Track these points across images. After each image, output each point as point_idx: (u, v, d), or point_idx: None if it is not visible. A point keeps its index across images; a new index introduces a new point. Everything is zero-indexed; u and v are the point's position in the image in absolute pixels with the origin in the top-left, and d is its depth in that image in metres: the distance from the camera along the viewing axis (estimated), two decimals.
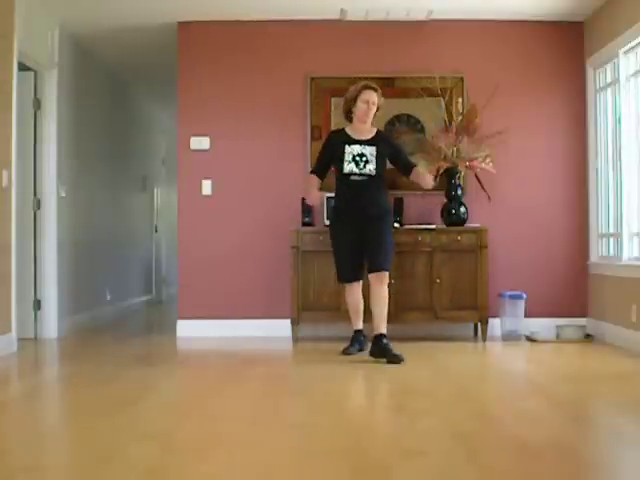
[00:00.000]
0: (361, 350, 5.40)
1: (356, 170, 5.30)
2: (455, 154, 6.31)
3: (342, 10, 6.39)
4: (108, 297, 8.24)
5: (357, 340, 5.45)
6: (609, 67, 6.25)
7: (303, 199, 6.38)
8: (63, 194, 6.72)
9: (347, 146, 5.34)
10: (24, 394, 4.25)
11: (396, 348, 5.15)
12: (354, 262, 5.37)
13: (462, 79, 6.60)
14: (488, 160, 6.31)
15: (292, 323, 6.15)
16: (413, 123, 6.61)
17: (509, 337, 6.28)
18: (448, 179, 6.29)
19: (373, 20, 6.57)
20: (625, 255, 5.92)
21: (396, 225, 5.97)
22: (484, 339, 6.16)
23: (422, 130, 6.60)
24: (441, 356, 5.45)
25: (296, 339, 6.14)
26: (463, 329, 6.43)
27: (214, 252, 6.62)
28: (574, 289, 6.60)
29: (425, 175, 5.44)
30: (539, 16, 6.53)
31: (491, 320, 6.26)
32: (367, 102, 5.32)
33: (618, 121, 6.10)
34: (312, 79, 6.64)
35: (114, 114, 8.57)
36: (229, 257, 6.62)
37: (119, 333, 7.00)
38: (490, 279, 6.26)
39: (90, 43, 7.28)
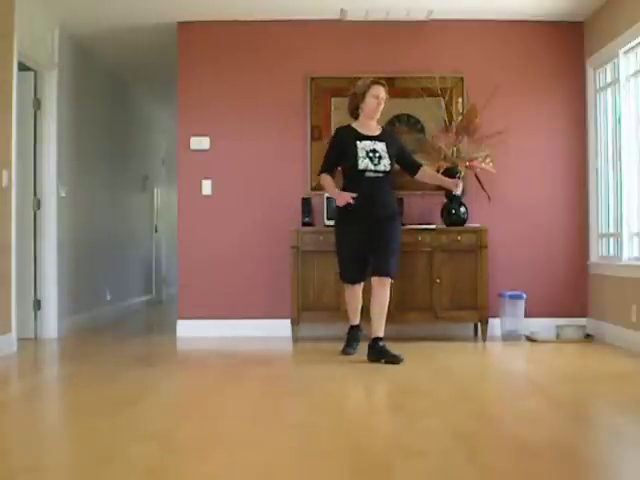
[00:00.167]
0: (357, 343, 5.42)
1: (371, 166, 5.15)
2: (455, 154, 6.31)
3: (342, 10, 6.39)
4: (108, 297, 8.24)
5: (354, 337, 5.44)
6: (609, 67, 6.25)
7: (303, 199, 6.39)
8: (63, 194, 6.72)
9: (358, 142, 5.20)
10: (24, 394, 4.24)
11: (396, 348, 5.15)
12: (359, 263, 5.27)
13: (462, 79, 6.60)
14: (488, 160, 6.31)
15: (292, 323, 6.15)
16: (413, 123, 6.62)
17: (509, 337, 6.28)
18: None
19: (373, 20, 6.57)
20: (625, 255, 5.92)
21: None
22: (484, 339, 6.17)
23: (422, 130, 6.60)
24: (441, 356, 5.45)
25: (296, 339, 6.14)
26: (463, 329, 6.43)
27: (214, 252, 6.62)
28: (574, 289, 6.60)
29: (451, 181, 5.37)
30: (539, 16, 6.53)
31: (491, 320, 6.26)
32: (377, 97, 5.21)
33: (618, 121, 6.10)
34: (312, 79, 6.64)
35: (114, 114, 8.57)
36: (229, 257, 6.62)
37: (119, 333, 7.00)
38: (490, 279, 6.26)
39: (90, 43, 7.28)
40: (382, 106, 5.26)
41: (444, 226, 6.29)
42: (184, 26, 6.67)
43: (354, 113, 5.34)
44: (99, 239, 7.93)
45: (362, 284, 5.34)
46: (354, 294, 5.36)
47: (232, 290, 6.60)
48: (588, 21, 6.55)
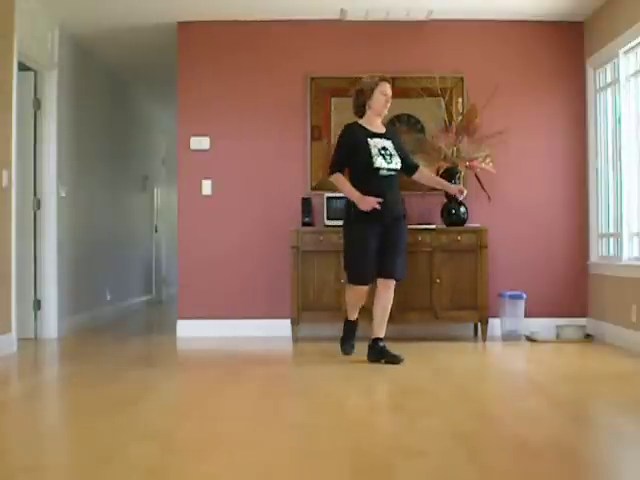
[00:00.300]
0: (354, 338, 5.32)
1: (385, 164, 5.03)
2: (455, 154, 6.31)
3: (342, 10, 6.39)
4: (108, 297, 8.24)
5: (352, 330, 5.30)
6: (609, 67, 6.25)
7: (303, 199, 6.39)
8: (63, 194, 6.72)
9: (369, 139, 5.06)
10: (24, 394, 4.24)
11: (396, 348, 5.15)
12: (372, 264, 5.06)
13: (462, 79, 6.60)
14: (488, 160, 6.31)
15: (292, 323, 6.15)
16: (413, 123, 6.62)
17: (509, 337, 6.28)
18: (448, 179, 6.26)
19: (373, 20, 6.57)
20: (625, 255, 5.91)
21: None
22: (484, 339, 6.16)
23: (422, 130, 6.60)
24: (441, 356, 5.45)
25: (296, 339, 6.14)
26: (463, 329, 6.43)
27: (214, 252, 6.62)
28: (574, 289, 6.60)
29: (455, 187, 5.32)
30: (539, 16, 6.53)
31: (491, 320, 6.26)
32: (385, 94, 5.11)
33: (618, 121, 6.10)
34: (312, 79, 6.64)
35: (114, 114, 8.57)
36: (229, 257, 6.62)
37: (119, 333, 7.00)
38: (490, 279, 6.26)
39: (90, 43, 7.28)
40: (389, 103, 5.16)
41: (444, 226, 6.29)
42: (184, 26, 6.67)
43: (360, 110, 5.18)
44: (99, 239, 7.93)
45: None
46: (361, 295, 5.17)
47: (232, 290, 6.60)
48: (588, 21, 6.55)
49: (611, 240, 6.28)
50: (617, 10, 5.95)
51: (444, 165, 6.23)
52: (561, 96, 6.65)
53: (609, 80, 6.26)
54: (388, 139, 5.15)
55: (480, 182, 6.34)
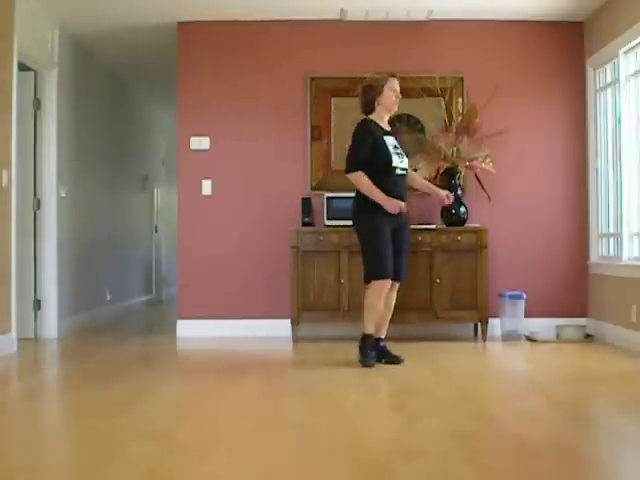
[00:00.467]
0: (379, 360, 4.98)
1: (399, 163, 4.93)
2: (455, 154, 6.31)
3: (342, 10, 6.39)
4: (108, 297, 8.25)
5: (372, 345, 4.96)
6: (609, 67, 6.25)
7: (303, 199, 6.38)
8: (63, 194, 6.72)
9: (385, 137, 4.95)
10: (24, 394, 4.24)
11: (396, 348, 5.15)
12: (392, 258, 4.91)
13: (462, 79, 6.60)
14: (488, 160, 6.31)
15: (292, 323, 6.15)
16: (413, 123, 6.61)
17: (509, 337, 6.27)
18: (448, 179, 6.28)
19: (373, 20, 6.57)
20: (625, 255, 5.91)
21: None
22: (484, 339, 6.16)
23: (422, 130, 6.60)
24: (441, 356, 5.45)
25: (296, 339, 6.14)
26: (463, 329, 6.43)
27: (214, 252, 6.62)
28: (574, 289, 6.60)
29: (442, 192, 5.15)
30: (539, 16, 6.53)
31: (491, 320, 6.26)
32: (395, 90, 4.99)
33: (618, 121, 6.10)
34: (312, 79, 6.63)
35: (114, 114, 8.57)
36: (229, 257, 6.62)
37: (119, 333, 7.00)
38: (490, 279, 6.26)
39: (90, 43, 7.28)
40: (399, 99, 5.03)
41: (444, 226, 6.29)
42: (184, 26, 6.67)
43: (368, 107, 5.02)
44: (99, 239, 7.93)
45: None
46: (384, 295, 4.92)
47: (232, 290, 6.60)
48: (588, 21, 6.55)
49: (611, 240, 6.28)
50: (617, 10, 5.95)
51: (444, 165, 6.23)
52: (561, 96, 6.65)
53: (609, 80, 6.26)
54: (395, 137, 5.08)
55: (480, 182, 6.34)
